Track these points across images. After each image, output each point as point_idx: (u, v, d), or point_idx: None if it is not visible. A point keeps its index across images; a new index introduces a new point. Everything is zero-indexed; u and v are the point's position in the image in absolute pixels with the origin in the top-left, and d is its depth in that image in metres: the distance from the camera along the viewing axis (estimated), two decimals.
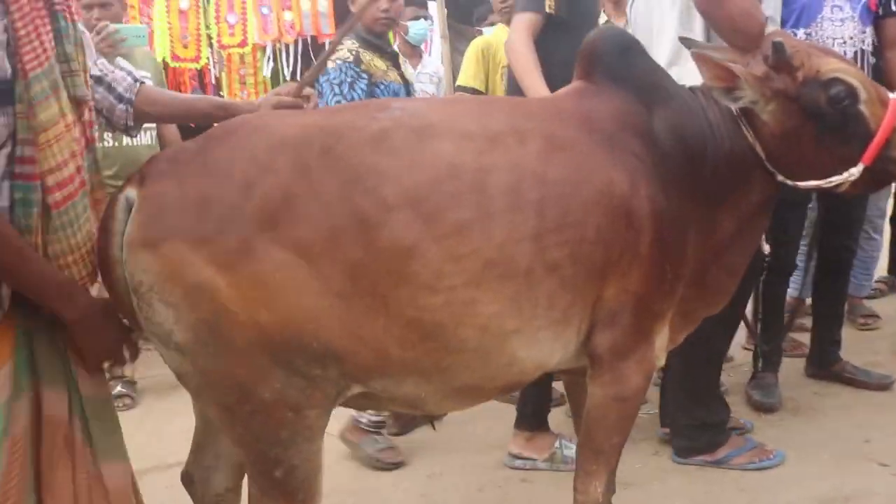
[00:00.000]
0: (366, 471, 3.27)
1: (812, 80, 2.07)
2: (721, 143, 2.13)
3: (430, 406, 1.98)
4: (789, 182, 2.16)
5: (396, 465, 3.27)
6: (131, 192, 1.74)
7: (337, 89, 3.11)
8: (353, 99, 3.10)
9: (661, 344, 2.18)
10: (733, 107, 2.11)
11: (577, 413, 2.47)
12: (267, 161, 1.73)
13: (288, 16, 5.38)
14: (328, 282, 1.72)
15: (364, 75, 3.14)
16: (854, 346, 4.10)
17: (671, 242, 2.03)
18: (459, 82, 4.26)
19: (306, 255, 1.70)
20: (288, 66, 5.43)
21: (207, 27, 5.35)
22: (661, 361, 2.27)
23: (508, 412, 3.29)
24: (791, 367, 3.94)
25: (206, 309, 1.68)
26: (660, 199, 2.00)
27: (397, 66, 3.35)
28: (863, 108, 2.06)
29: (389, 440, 3.34)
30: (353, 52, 3.17)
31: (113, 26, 3.29)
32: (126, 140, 3.70)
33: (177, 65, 5.34)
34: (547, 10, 2.99)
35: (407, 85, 3.38)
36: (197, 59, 5.37)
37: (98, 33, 3.26)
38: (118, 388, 3.97)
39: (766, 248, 2.42)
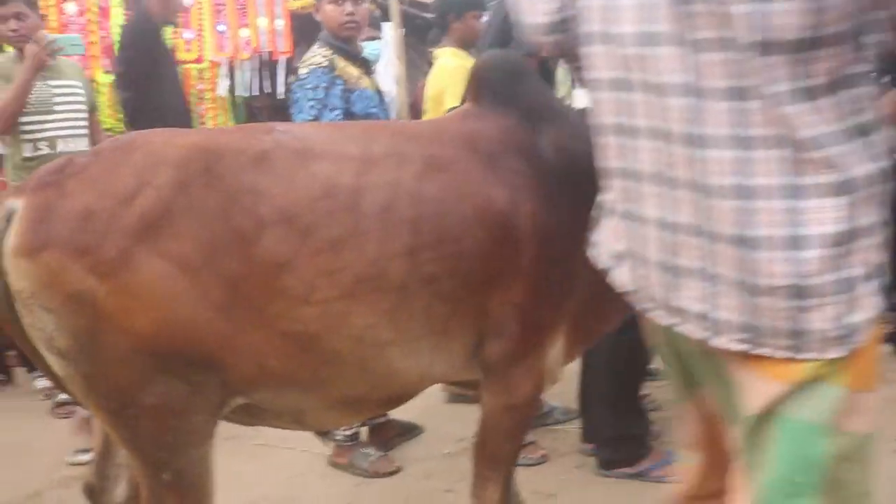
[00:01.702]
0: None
1: None
2: None
3: (313, 419, 2.04)
4: None
5: (395, 472, 3.30)
6: (14, 202, 1.78)
7: (311, 94, 3.08)
8: (328, 104, 3.06)
9: (555, 355, 2.23)
10: None
11: None
12: (149, 176, 1.79)
13: (244, 33, 5.45)
14: (207, 294, 1.78)
15: (339, 81, 3.12)
16: None
17: (557, 258, 2.09)
18: (453, 105, 4.19)
19: (185, 268, 1.76)
20: (244, 83, 5.48)
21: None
22: (557, 374, 2.33)
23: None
24: None
25: (85, 316, 1.73)
26: (543, 216, 2.06)
27: (369, 74, 3.36)
28: None
29: (379, 451, 3.36)
30: (328, 58, 3.16)
31: (51, 36, 3.35)
32: (61, 148, 3.74)
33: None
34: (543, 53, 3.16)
35: (379, 92, 3.37)
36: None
37: (37, 42, 3.32)
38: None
39: None
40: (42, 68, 3.52)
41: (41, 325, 1.76)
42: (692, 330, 1.39)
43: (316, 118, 3.04)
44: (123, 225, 1.74)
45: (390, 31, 5.60)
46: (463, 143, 2.08)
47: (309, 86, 3.09)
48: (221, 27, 5.41)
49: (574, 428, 3.55)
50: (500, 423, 2.18)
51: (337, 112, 3.06)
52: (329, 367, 1.92)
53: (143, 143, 1.89)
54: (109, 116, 5.34)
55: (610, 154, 1.49)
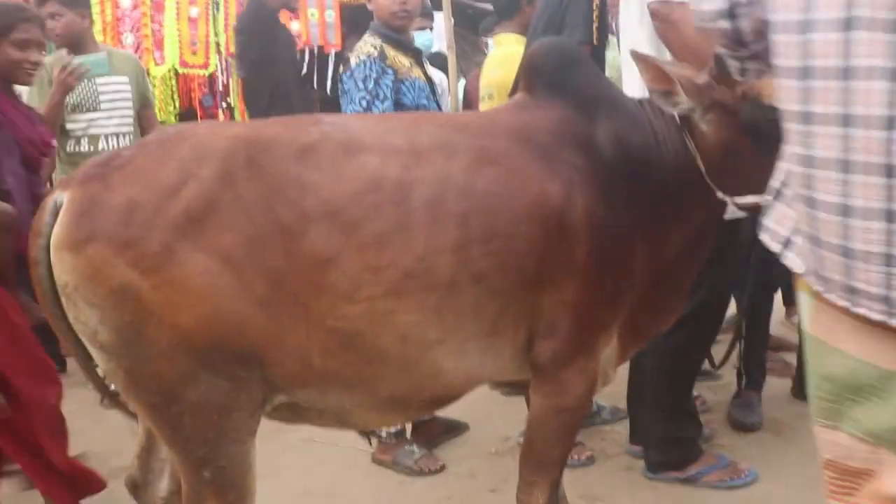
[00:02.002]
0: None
1: (753, 98, 2.05)
2: (667, 154, 2.13)
3: (356, 419, 2.01)
4: (727, 199, 2.14)
5: (440, 470, 3.26)
6: (60, 195, 1.79)
7: (362, 85, 3.02)
8: (379, 94, 3.00)
9: (608, 357, 2.18)
10: (672, 112, 2.10)
11: None
12: (194, 169, 1.77)
13: (295, 26, 5.46)
14: (250, 289, 1.75)
15: (390, 70, 3.05)
16: None
17: (612, 254, 2.03)
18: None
19: (229, 262, 1.74)
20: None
21: (216, 35, 5.44)
22: (610, 376, 2.26)
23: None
24: (778, 387, 3.88)
25: (129, 310, 1.72)
26: (599, 210, 2.00)
27: (420, 64, 3.28)
28: None
29: (423, 448, 3.33)
30: (378, 48, 3.08)
31: (76, 59, 3.38)
32: (103, 145, 3.76)
33: (186, 71, 5.45)
34: (595, 42, 3.19)
35: (431, 83, 3.29)
36: (205, 65, 5.47)
37: (64, 68, 3.33)
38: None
39: None
40: (69, 92, 3.49)
41: (85, 319, 1.76)
42: (869, 310, 1.32)
43: (366, 109, 2.99)
44: (167, 218, 1.72)
45: (441, 21, 5.56)
46: (515, 135, 2.02)
47: (359, 76, 3.03)
48: None
49: (622, 429, 3.48)
50: (548, 425, 2.12)
51: (387, 103, 3.01)
52: (373, 365, 1.88)
53: (188, 135, 1.88)
54: (161, 110, 5.41)
55: (791, 140, 1.43)
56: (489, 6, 6.55)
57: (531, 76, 2.19)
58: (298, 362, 1.83)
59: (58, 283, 1.77)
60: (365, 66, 3.03)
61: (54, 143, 2.99)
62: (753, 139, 2.05)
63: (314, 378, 1.86)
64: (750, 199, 2.09)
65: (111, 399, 2.03)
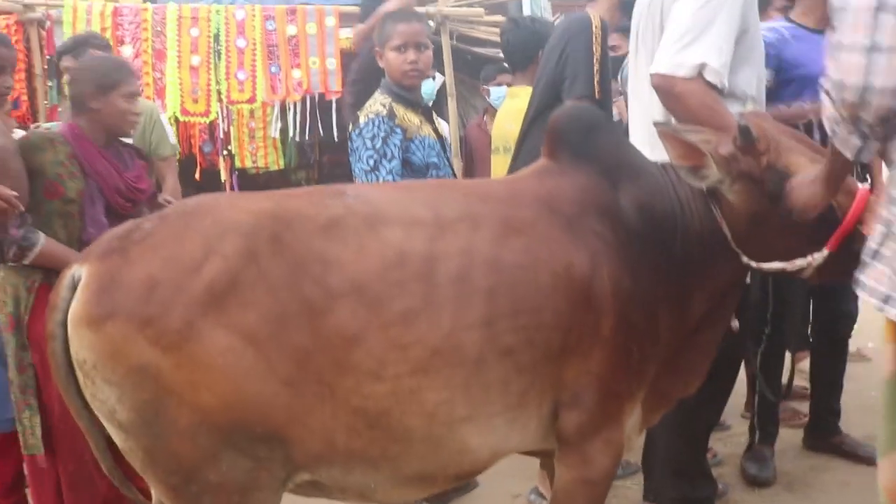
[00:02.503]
0: None
1: (779, 168, 2.05)
2: (691, 220, 2.12)
3: (380, 496, 1.95)
4: (753, 264, 2.13)
5: None
6: (78, 269, 1.75)
7: (370, 143, 3.01)
8: (387, 154, 2.99)
9: (633, 424, 2.15)
10: (700, 186, 2.10)
11: None
12: (216, 245, 1.75)
13: (296, 74, 5.47)
14: (274, 368, 1.72)
15: (398, 129, 3.04)
16: (856, 417, 3.99)
17: (638, 323, 2.01)
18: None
19: (252, 340, 1.71)
20: (296, 125, 5.48)
21: (217, 83, 5.44)
22: (634, 443, 2.23)
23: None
24: (789, 439, 3.84)
25: (149, 390, 1.68)
26: (625, 280, 1.98)
27: (431, 121, 3.28)
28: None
29: None
30: (387, 106, 3.07)
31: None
32: None
33: (186, 119, 5.44)
34: (596, 95, 3.16)
35: (441, 140, 3.28)
36: (206, 113, 5.45)
37: None
38: None
39: (735, 325, 2.38)
40: None
41: (103, 397, 1.72)
42: None
43: (373, 168, 2.98)
44: (189, 296, 1.69)
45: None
46: (540, 204, 2.00)
47: (367, 135, 3.02)
48: (274, 69, 5.43)
49: (632, 483, 3.44)
50: (574, 498, 2.08)
51: (395, 162, 2.99)
52: (399, 444, 1.84)
53: (210, 208, 1.85)
54: None
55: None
56: (488, 52, 6.64)
57: (554, 142, 2.18)
58: (322, 441, 1.79)
59: (75, 359, 1.73)
60: (373, 124, 3.02)
61: (147, 186, 3.01)
62: (781, 207, 2.04)
63: (338, 457, 1.82)
64: (776, 265, 2.08)
65: (122, 483, 1.98)
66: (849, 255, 1.99)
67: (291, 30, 5.47)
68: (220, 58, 5.42)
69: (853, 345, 5.12)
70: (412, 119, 3.13)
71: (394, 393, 1.79)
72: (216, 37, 5.41)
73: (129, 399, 1.69)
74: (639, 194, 2.08)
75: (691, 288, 2.13)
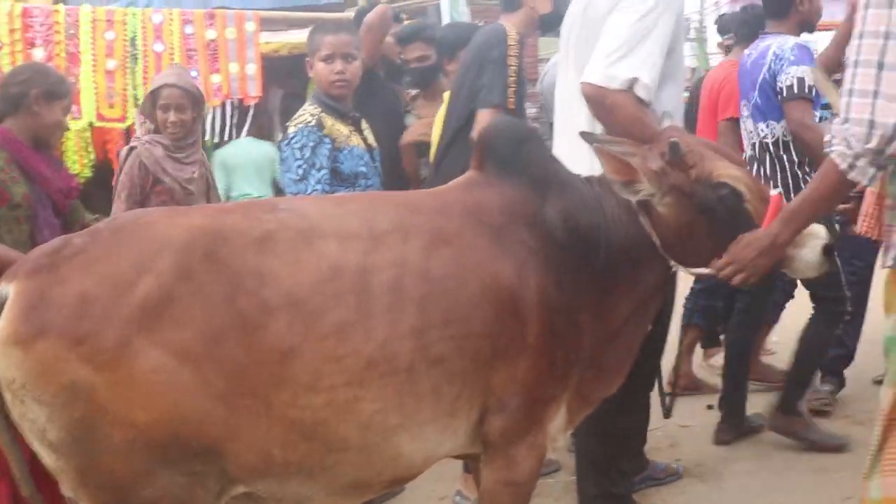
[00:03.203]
0: None
1: (704, 179, 2.18)
2: (617, 231, 2.20)
3: None
4: (683, 269, 2.25)
5: None
6: (5, 287, 1.74)
7: (298, 153, 3.03)
8: (315, 163, 3.02)
9: (558, 426, 2.22)
10: (632, 199, 2.19)
11: None
12: (150, 262, 1.76)
13: (216, 79, 5.40)
14: (209, 383, 1.74)
15: (327, 139, 3.08)
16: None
17: (562, 331, 2.08)
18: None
19: (187, 357, 1.73)
20: (214, 130, 5.42)
21: (134, 88, 5.32)
22: (559, 443, 2.32)
23: None
24: (698, 431, 4.02)
25: (81, 408, 1.69)
26: (550, 289, 2.05)
27: (360, 131, 3.29)
28: (747, 205, 2.19)
29: None
30: (315, 117, 3.10)
31: None
32: None
33: (102, 124, 5.30)
34: (509, 105, 3.24)
35: (371, 150, 3.30)
36: (123, 118, 5.32)
37: None
38: None
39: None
40: None
41: (32, 417, 1.71)
42: None
43: (302, 177, 3.00)
44: (123, 313, 1.70)
45: None
46: (468, 215, 2.06)
47: (296, 144, 3.05)
48: (193, 73, 5.34)
49: (553, 480, 3.54)
50: (500, 499, 2.14)
51: (323, 171, 3.02)
52: (335, 454, 1.88)
53: (143, 224, 1.86)
54: (76, 162, 5.27)
55: None
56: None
57: (483, 154, 2.23)
58: (259, 454, 1.81)
59: (2, 379, 1.72)
60: (302, 134, 3.05)
61: (77, 182, 3.11)
62: (707, 217, 2.17)
63: (275, 469, 1.85)
64: (705, 270, 2.21)
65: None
66: None
67: (211, 34, 5.38)
68: (136, 62, 5.30)
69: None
70: (341, 129, 3.16)
71: (329, 404, 1.83)
72: (133, 40, 5.28)
73: (61, 418, 1.69)
74: (565, 206, 2.15)
75: (616, 295, 2.22)
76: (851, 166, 1.91)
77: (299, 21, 6.14)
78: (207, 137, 5.40)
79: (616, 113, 2.53)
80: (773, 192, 2.24)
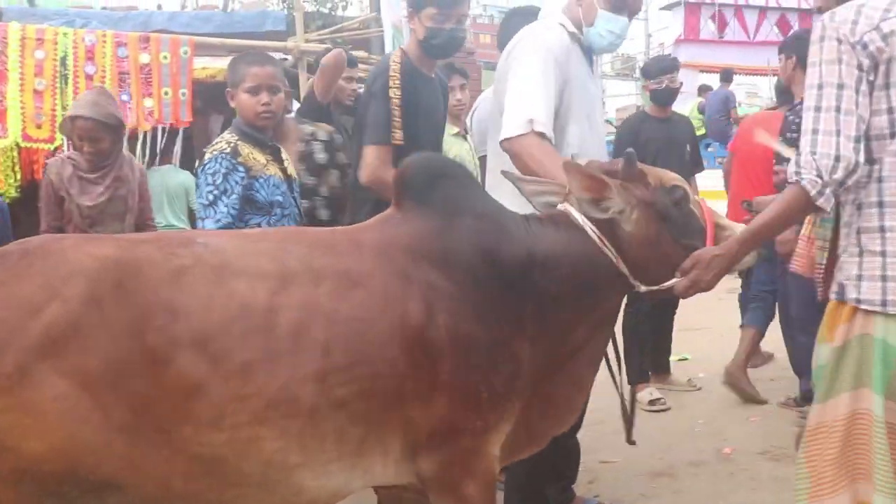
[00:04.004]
0: None
1: (659, 187, 2.24)
2: (561, 261, 2.18)
3: None
4: (654, 287, 2.23)
5: None
6: None
7: (210, 179, 3.00)
8: (227, 190, 2.99)
9: (497, 452, 2.16)
10: (602, 217, 2.20)
11: None
12: (58, 288, 1.73)
13: (148, 103, 5.36)
14: (110, 415, 1.71)
15: (241, 168, 3.04)
16: (683, 443, 4.27)
17: (486, 363, 2.05)
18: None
19: (89, 387, 1.69)
20: (145, 154, 5.37)
21: (64, 109, 5.24)
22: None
23: None
24: (625, 468, 4.06)
25: None
26: (464, 324, 2.02)
27: (279, 161, 3.25)
28: (693, 207, 2.29)
29: None
30: (231, 144, 3.07)
31: None
32: None
33: (29, 144, 5.23)
34: (394, 141, 3.18)
35: (290, 180, 3.26)
36: (51, 139, 5.27)
37: None
38: None
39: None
40: None
41: None
42: None
43: (212, 202, 2.98)
44: (25, 338, 1.67)
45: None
46: (378, 255, 2.05)
47: (210, 171, 3.03)
48: (125, 97, 5.30)
49: None
50: None
51: (233, 197, 3.00)
52: (236, 488, 1.86)
53: (54, 250, 1.82)
54: (1, 182, 5.16)
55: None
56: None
57: (399, 190, 2.22)
58: (158, 487, 1.78)
59: None
60: (216, 161, 3.03)
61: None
62: (669, 224, 2.22)
63: (175, 501, 1.82)
64: (667, 284, 2.21)
65: None
66: None
67: (144, 58, 5.37)
68: (67, 83, 5.26)
69: (685, 374, 5.52)
70: (258, 158, 3.13)
71: (231, 442, 1.81)
72: (63, 60, 5.24)
73: None
74: (481, 240, 2.13)
75: (569, 322, 2.20)
76: (820, 193, 2.09)
77: (238, 48, 6.14)
78: (136, 162, 5.35)
79: (523, 157, 2.66)
80: (700, 198, 2.37)
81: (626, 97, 21.23)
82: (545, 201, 2.41)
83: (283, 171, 3.25)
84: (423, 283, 2.03)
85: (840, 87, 2.11)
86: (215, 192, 3.00)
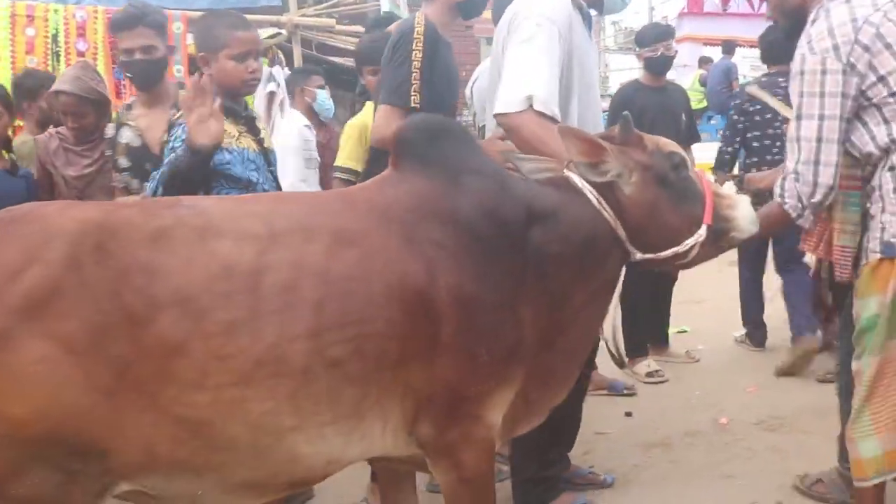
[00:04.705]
0: None
1: (657, 151, 2.23)
2: (561, 223, 2.16)
3: (210, 503, 1.94)
4: (650, 255, 2.23)
5: None
6: None
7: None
8: None
9: (497, 419, 2.14)
10: (601, 180, 2.18)
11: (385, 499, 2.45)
12: (39, 252, 1.72)
13: None
14: (93, 377, 1.70)
15: None
16: (679, 415, 4.27)
17: (489, 325, 2.02)
18: (338, 163, 3.96)
19: (70, 350, 1.69)
20: None
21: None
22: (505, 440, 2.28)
23: None
24: (619, 439, 4.06)
25: None
26: (468, 285, 1.99)
27: (254, 132, 3.06)
28: (692, 174, 2.27)
29: None
30: None
31: None
32: None
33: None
34: (412, 104, 3.04)
35: (266, 153, 3.06)
36: None
37: None
38: None
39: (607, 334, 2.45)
40: None
41: None
42: None
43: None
44: (6, 302, 1.66)
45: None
46: (376, 214, 2.01)
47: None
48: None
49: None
50: (460, 497, 2.10)
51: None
52: (224, 453, 1.84)
53: (37, 216, 1.82)
54: None
55: None
56: (346, 61, 6.64)
57: (397, 151, 2.18)
58: (143, 451, 1.77)
59: None
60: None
61: None
62: (668, 189, 2.20)
63: (161, 466, 1.81)
64: (670, 252, 2.22)
65: None
66: (719, 223, 2.26)
67: None
68: (59, 60, 5.22)
69: (683, 347, 5.51)
70: (229, 130, 2.93)
71: (216, 402, 1.79)
72: (55, 37, 5.21)
73: None
74: (484, 199, 2.09)
75: (569, 287, 2.18)
76: (800, 215, 2.55)
77: None
78: None
79: (519, 132, 2.65)
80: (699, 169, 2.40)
81: (630, 71, 21.10)
82: (544, 179, 2.36)
83: (259, 142, 3.07)
84: (424, 242, 1.99)
85: (821, 118, 2.44)
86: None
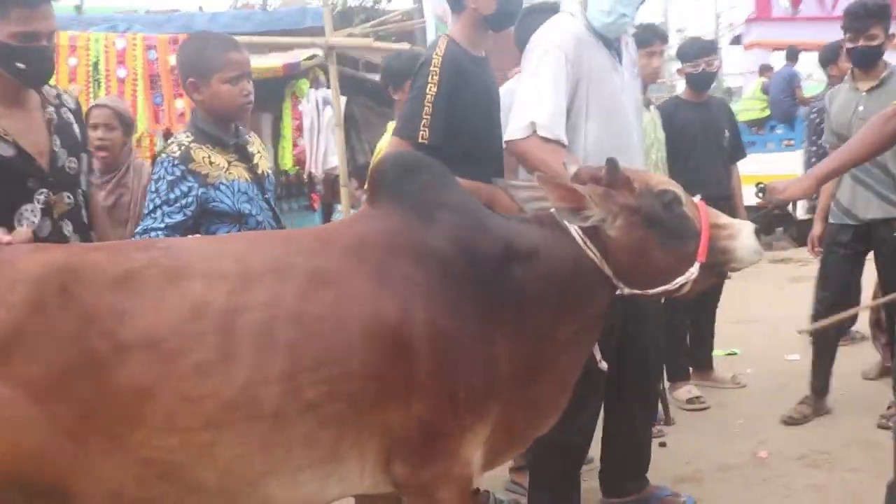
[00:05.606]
0: None
1: (646, 191, 2.16)
2: (549, 259, 2.13)
3: None
4: (638, 292, 2.19)
5: None
6: None
7: (154, 186, 2.70)
8: (173, 199, 2.67)
9: (476, 463, 2.11)
10: (584, 225, 2.13)
11: None
12: (2, 296, 1.74)
13: (179, 104, 5.42)
14: (57, 421, 1.71)
15: (190, 177, 2.69)
16: (714, 448, 4.09)
17: (462, 363, 1.98)
18: None
19: (34, 394, 1.70)
20: None
21: None
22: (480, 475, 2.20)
23: None
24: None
25: None
26: (443, 321, 1.95)
27: (246, 159, 2.90)
28: (686, 210, 2.18)
29: None
30: (183, 148, 2.73)
31: None
32: None
33: None
34: (420, 140, 2.96)
35: (259, 180, 2.91)
36: None
37: None
38: None
39: (604, 365, 2.37)
40: None
41: None
42: None
43: (151, 211, 2.69)
44: None
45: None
46: (350, 253, 1.98)
47: (156, 175, 2.74)
48: (157, 99, 5.37)
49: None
50: None
51: (175, 207, 2.68)
52: (193, 495, 1.83)
53: (2, 259, 1.84)
54: None
55: None
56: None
57: (373, 186, 2.17)
58: (110, 494, 1.77)
59: None
60: (162, 165, 2.73)
61: None
62: (657, 229, 2.14)
63: None
64: (660, 289, 2.17)
65: None
66: (714, 258, 2.18)
67: (174, 60, 5.40)
68: (100, 87, 5.35)
69: (731, 371, 5.29)
70: (217, 161, 2.80)
71: (185, 445, 1.77)
72: (95, 65, 5.34)
73: None
74: (458, 235, 2.05)
75: (552, 323, 2.13)
76: None
77: (278, 45, 6.16)
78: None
79: (526, 158, 2.79)
80: (696, 198, 2.27)
81: None
82: (538, 207, 2.31)
83: (253, 170, 2.92)
84: (398, 279, 1.95)
85: None
86: (157, 199, 2.70)
